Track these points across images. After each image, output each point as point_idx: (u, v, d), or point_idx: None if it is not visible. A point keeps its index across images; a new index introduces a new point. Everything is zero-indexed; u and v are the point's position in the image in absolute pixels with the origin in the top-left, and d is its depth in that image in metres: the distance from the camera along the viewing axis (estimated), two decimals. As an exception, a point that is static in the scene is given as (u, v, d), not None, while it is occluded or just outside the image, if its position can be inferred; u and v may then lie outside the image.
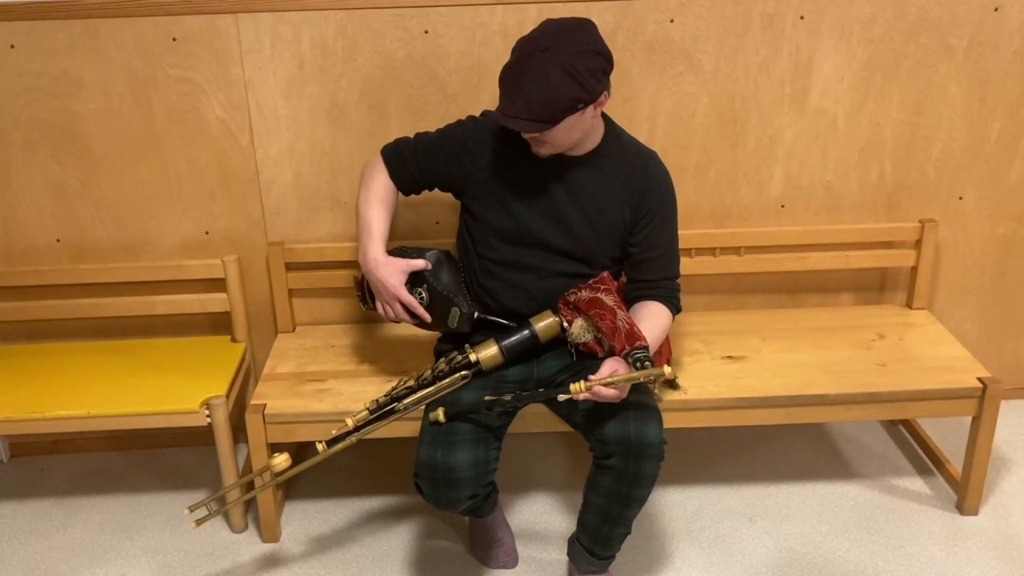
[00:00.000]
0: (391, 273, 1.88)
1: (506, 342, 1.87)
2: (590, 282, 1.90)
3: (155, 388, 2.16)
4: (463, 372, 1.85)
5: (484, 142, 1.91)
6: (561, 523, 2.26)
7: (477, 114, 1.96)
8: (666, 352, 2.04)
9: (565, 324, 1.88)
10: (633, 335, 1.76)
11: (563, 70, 1.66)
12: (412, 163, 1.96)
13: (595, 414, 1.82)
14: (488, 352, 1.86)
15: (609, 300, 1.84)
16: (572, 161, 1.87)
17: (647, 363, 1.71)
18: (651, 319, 1.88)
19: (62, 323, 2.40)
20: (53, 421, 2.08)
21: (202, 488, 2.41)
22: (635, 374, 1.67)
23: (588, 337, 1.87)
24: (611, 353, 1.82)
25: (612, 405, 1.78)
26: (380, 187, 1.96)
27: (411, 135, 1.99)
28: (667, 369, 1.66)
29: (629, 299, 1.95)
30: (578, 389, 1.68)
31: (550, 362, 1.97)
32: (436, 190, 2.00)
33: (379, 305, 1.94)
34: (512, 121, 1.69)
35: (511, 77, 1.69)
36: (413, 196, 2.02)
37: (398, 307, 1.90)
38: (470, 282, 1.98)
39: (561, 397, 1.71)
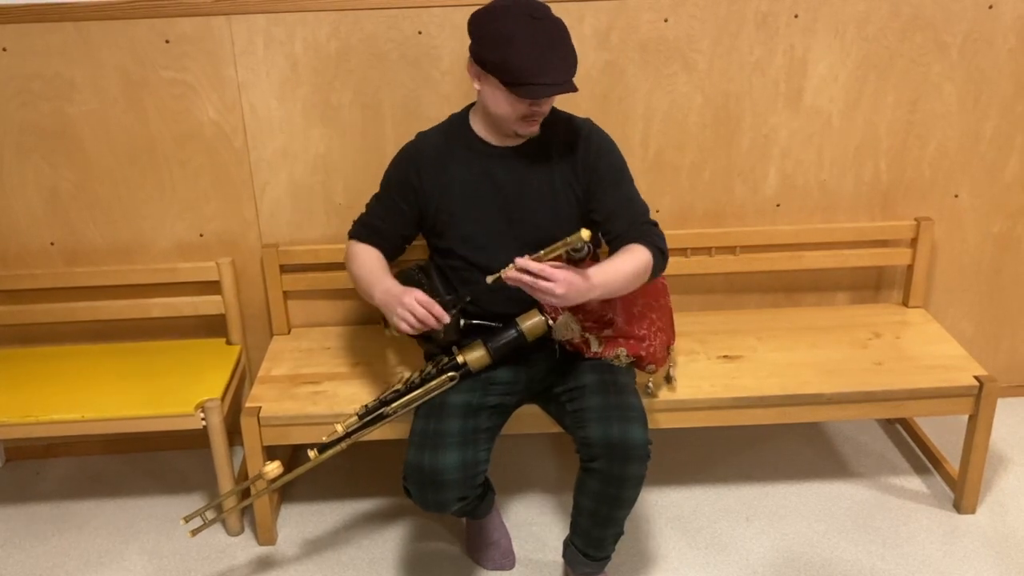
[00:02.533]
0: (404, 291, 1.80)
1: (493, 343, 1.86)
2: None
3: (150, 391, 2.15)
4: (450, 374, 1.84)
5: (423, 165, 1.90)
6: (558, 524, 2.25)
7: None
8: (669, 335, 2.01)
9: (550, 322, 1.87)
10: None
11: (566, 30, 1.73)
12: (379, 224, 1.96)
13: (579, 416, 1.81)
14: (475, 354, 1.86)
15: None
16: (511, 151, 1.87)
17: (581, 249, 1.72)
18: (623, 252, 1.81)
19: (56, 326, 2.40)
20: (48, 425, 2.08)
21: (198, 490, 2.41)
22: (556, 245, 1.66)
23: (572, 334, 1.85)
24: (599, 351, 1.82)
25: (596, 407, 1.78)
26: (364, 254, 1.95)
27: (365, 207, 2.02)
28: (585, 233, 1.62)
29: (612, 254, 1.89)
30: (507, 274, 1.65)
31: (540, 363, 1.96)
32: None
33: (397, 321, 1.80)
34: (566, 86, 1.69)
35: (547, 47, 1.68)
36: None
37: (419, 309, 1.76)
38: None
39: (490, 278, 1.70)
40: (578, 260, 1.81)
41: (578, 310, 1.84)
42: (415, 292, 1.78)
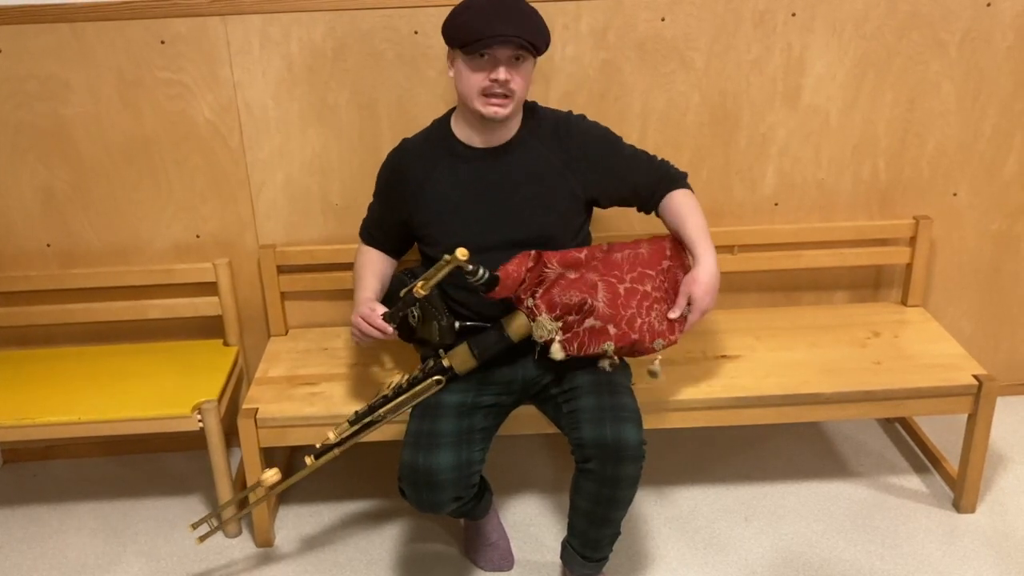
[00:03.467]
0: (356, 306, 1.90)
1: (478, 345, 1.84)
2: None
3: (147, 393, 2.15)
4: (436, 378, 1.83)
5: (407, 177, 1.91)
6: (556, 525, 2.25)
7: None
8: (671, 303, 1.91)
9: (533, 324, 1.83)
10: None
11: (535, 11, 1.78)
12: (376, 231, 2.03)
13: (574, 418, 1.80)
14: (460, 356, 1.84)
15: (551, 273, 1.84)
16: (501, 150, 1.87)
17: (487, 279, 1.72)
18: (687, 214, 1.91)
19: (53, 328, 2.39)
20: (45, 427, 2.07)
21: (196, 492, 2.40)
22: (432, 270, 1.69)
23: (549, 334, 1.80)
24: (584, 353, 1.80)
25: (590, 407, 1.78)
26: (367, 256, 2.04)
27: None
28: (460, 252, 1.63)
29: (659, 213, 1.98)
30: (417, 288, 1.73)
31: (532, 362, 1.94)
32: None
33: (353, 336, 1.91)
34: (512, 40, 1.70)
35: (501, 8, 1.72)
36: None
37: (363, 325, 1.84)
38: (447, 302, 1.95)
39: (403, 292, 1.75)
40: (483, 286, 1.73)
41: (553, 308, 1.80)
42: (361, 308, 1.86)
